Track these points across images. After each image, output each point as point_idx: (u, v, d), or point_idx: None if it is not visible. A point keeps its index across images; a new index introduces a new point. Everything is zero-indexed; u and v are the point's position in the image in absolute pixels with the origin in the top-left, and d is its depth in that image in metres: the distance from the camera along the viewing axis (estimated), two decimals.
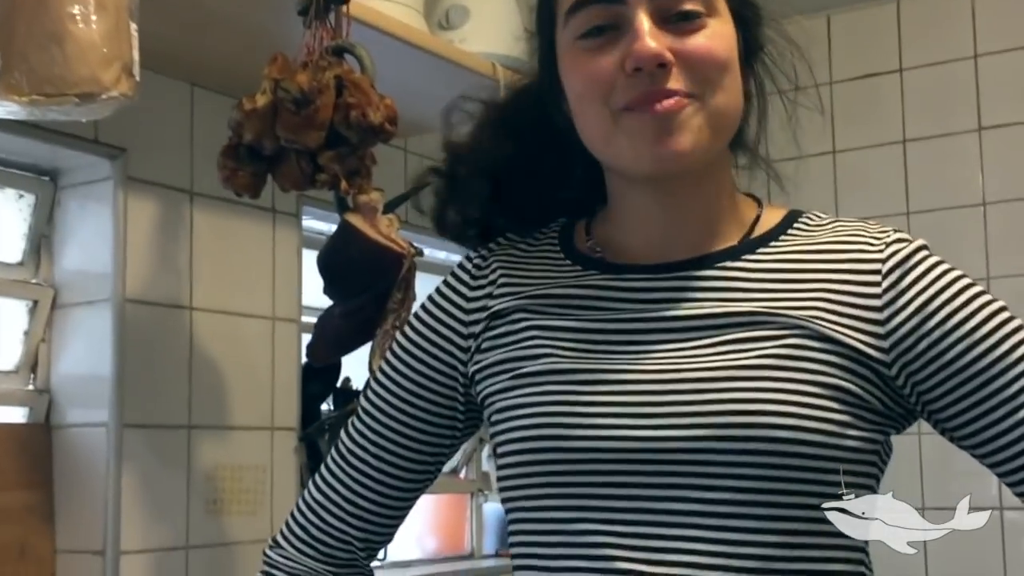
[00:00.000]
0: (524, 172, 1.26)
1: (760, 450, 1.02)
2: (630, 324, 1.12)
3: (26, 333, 1.90)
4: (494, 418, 1.16)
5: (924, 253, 1.11)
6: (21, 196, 1.91)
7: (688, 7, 1.09)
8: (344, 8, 1.69)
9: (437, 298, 1.25)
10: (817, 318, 1.07)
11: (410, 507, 1.29)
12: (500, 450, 1.15)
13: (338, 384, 2.13)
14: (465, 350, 1.20)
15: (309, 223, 2.27)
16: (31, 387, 1.90)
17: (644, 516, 1.05)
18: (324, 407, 2.19)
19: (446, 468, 1.30)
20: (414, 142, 2.44)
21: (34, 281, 1.91)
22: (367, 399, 1.26)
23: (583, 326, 1.14)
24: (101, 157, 1.86)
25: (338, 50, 1.67)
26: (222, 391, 2.02)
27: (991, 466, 1.09)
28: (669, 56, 1.07)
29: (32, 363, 1.90)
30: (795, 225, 1.17)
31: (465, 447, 2.75)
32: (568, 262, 1.20)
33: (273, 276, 2.14)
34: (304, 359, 2.09)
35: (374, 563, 1.32)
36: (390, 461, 1.24)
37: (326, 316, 1.81)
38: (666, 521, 1.05)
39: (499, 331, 1.18)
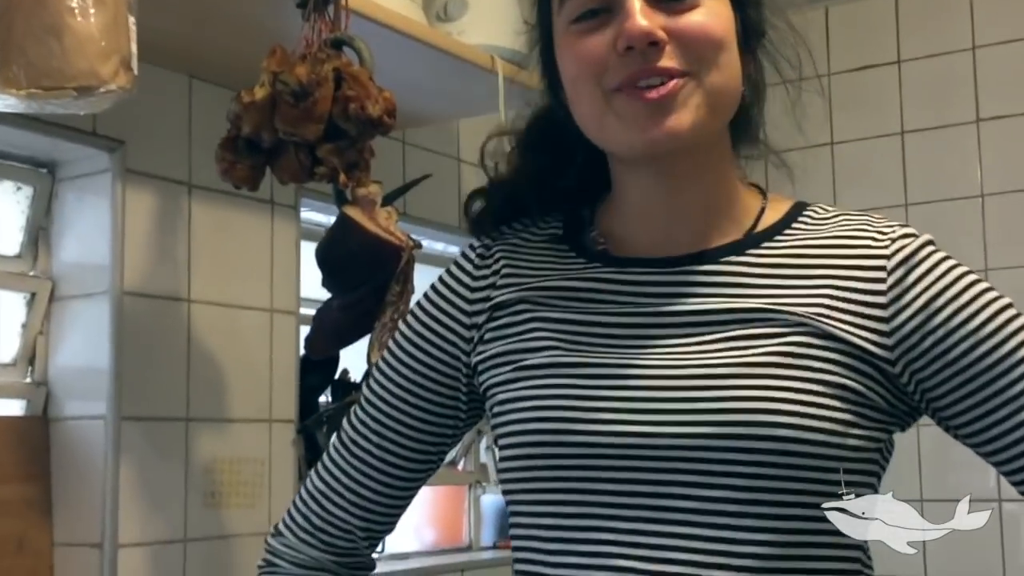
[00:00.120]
0: (528, 166, 1.26)
1: (762, 448, 1.02)
2: (633, 319, 1.12)
3: (24, 326, 1.90)
4: (495, 410, 1.16)
5: (930, 249, 1.10)
6: (19, 188, 1.91)
7: None
8: (342, 1, 1.69)
9: (440, 287, 1.24)
10: (821, 315, 1.07)
11: (412, 496, 1.29)
12: (501, 442, 1.15)
13: (336, 376, 2.13)
14: (468, 340, 1.20)
15: (307, 215, 2.27)
16: (29, 380, 1.90)
17: (644, 512, 1.05)
18: (322, 399, 2.19)
19: (442, 463, 1.30)
20: (412, 134, 2.44)
21: (32, 273, 1.91)
22: (370, 388, 1.26)
23: (586, 319, 1.13)
24: (99, 149, 1.86)
25: (337, 43, 1.67)
26: (220, 383, 2.02)
27: (996, 464, 1.09)
28: (661, 34, 1.06)
29: (30, 355, 1.90)
30: (800, 218, 1.16)
31: (463, 439, 2.75)
32: (572, 254, 1.20)
33: (271, 268, 2.13)
34: (302, 351, 2.09)
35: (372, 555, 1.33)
36: (392, 451, 1.24)
37: (325, 309, 1.81)
38: (666, 518, 1.04)
39: (502, 322, 1.18)
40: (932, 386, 1.08)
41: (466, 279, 1.23)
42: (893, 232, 1.11)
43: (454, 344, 1.21)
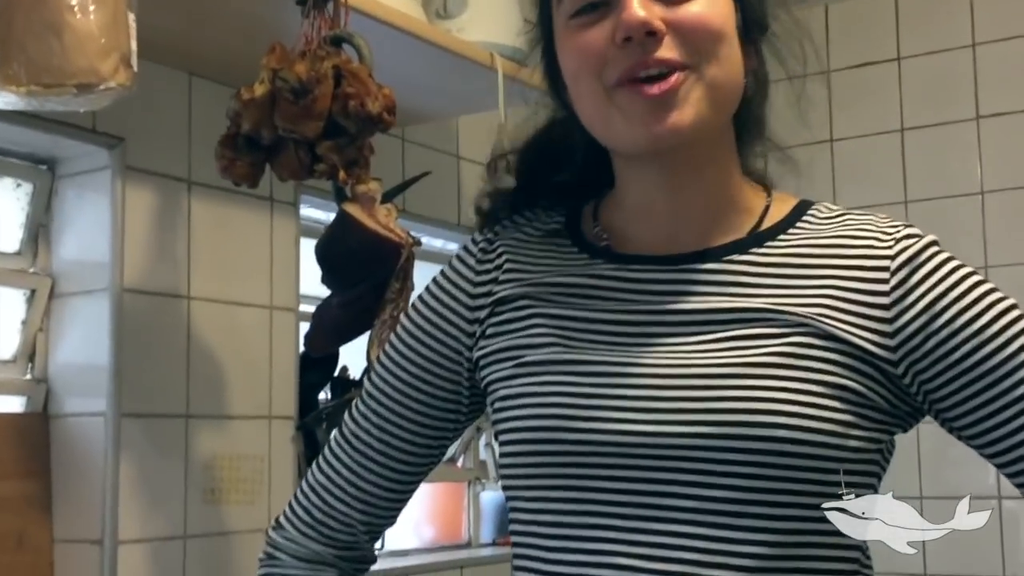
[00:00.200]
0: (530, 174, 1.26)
1: (762, 449, 1.02)
2: (635, 316, 1.12)
3: (24, 322, 1.90)
4: (497, 405, 1.16)
5: (934, 250, 1.10)
6: (19, 185, 1.91)
7: None
8: None
9: (443, 281, 1.24)
10: (823, 315, 1.06)
11: (413, 490, 1.29)
12: (502, 438, 1.15)
13: (336, 373, 2.13)
14: (471, 335, 1.20)
15: (307, 212, 2.27)
16: (29, 376, 1.90)
17: (643, 511, 1.05)
18: (322, 396, 2.19)
19: (443, 457, 1.30)
20: (412, 131, 2.44)
21: (32, 270, 1.91)
22: (371, 382, 1.26)
23: (588, 316, 1.13)
24: (99, 146, 1.86)
25: (336, 40, 1.67)
26: (220, 380, 2.02)
27: (999, 466, 1.09)
28: (659, 24, 1.06)
29: (30, 352, 1.90)
30: (804, 218, 1.16)
31: (463, 436, 2.75)
32: (575, 249, 1.20)
33: (271, 265, 2.13)
34: (302, 348, 2.09)
35: None
36: (393, 444, 1.23)
37: (324, 306, 1.81)
38: (665, 517, 1.04)
39: (504, 317, 1.18)
40: (935, 387, 1.07)
41: (468, 273, 1.22)
42: (897, 232, 1.10)
43: (456, 339, 1.21)
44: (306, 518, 1.27)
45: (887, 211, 1.15)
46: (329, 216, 1.89)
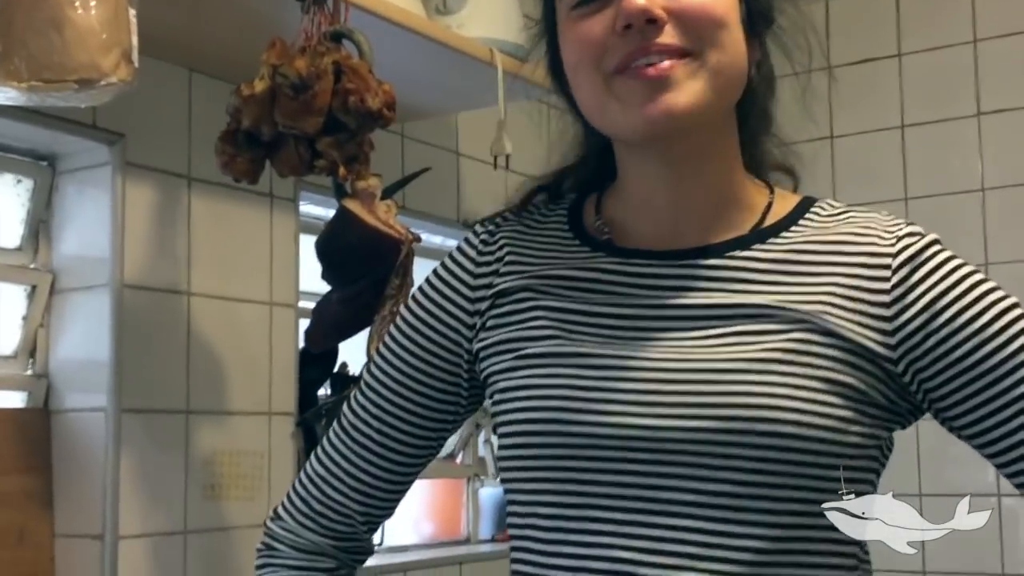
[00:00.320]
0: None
1: (761, 444, 1.02)
2: (636, 311, 1.12)
3: (24, 318, 1.90)
4: (496, 398, 1.16)
5: (935, 248, 1.09)
6: (19, 181, 1.91)
7: None
8: None
9: (443, 273, 1.24)
10: (824, 312, 1.06)
11: (411, 481, 1.29)
12: (501, 431, 1.15)
13: (335, 369, 2.13)
14: (471, 327, 1.20)
15: (306, 208, 2.27)
16: (29, 372, 1.90)
17: (643, 505, 1.05)
18: (321, 392, 2.19)
19: (442, 453, 1.30)
20: (412, 127, 2.44)
21: (32, 266, 1.91)
22: (370, 373, 1.26)
23: (589, 309, 1.13)
24: (99, 142, 1.86)
25: (336, 35, 1.67)
26: (220, 376, 2.02)
27: (998, 465, 1.09)
28: (659, 12, 1.06)
29: (31, 348, 1.90)
30: (807, 215, 1.16)
31: (461, 432, 2.75)
32: (577, 242, 1.20)
33: (271, 261, 2.13)
34: (301, 344, 2.09)
35: None
36: (392, 435, 1.23)
37: (324, 302, 1.81)
38: (664, 511, 1.05)
39: (504, 309, 1.18)
40: (934, 385, 1.07)
41: (469, 265, 1.22)
42: (899, 230, 1.10)
43: (456, 330, 1.21)
44: (304, 509, 1.27)
45: (887, 208, 1.15)
46: (329, 212, 1.89)
